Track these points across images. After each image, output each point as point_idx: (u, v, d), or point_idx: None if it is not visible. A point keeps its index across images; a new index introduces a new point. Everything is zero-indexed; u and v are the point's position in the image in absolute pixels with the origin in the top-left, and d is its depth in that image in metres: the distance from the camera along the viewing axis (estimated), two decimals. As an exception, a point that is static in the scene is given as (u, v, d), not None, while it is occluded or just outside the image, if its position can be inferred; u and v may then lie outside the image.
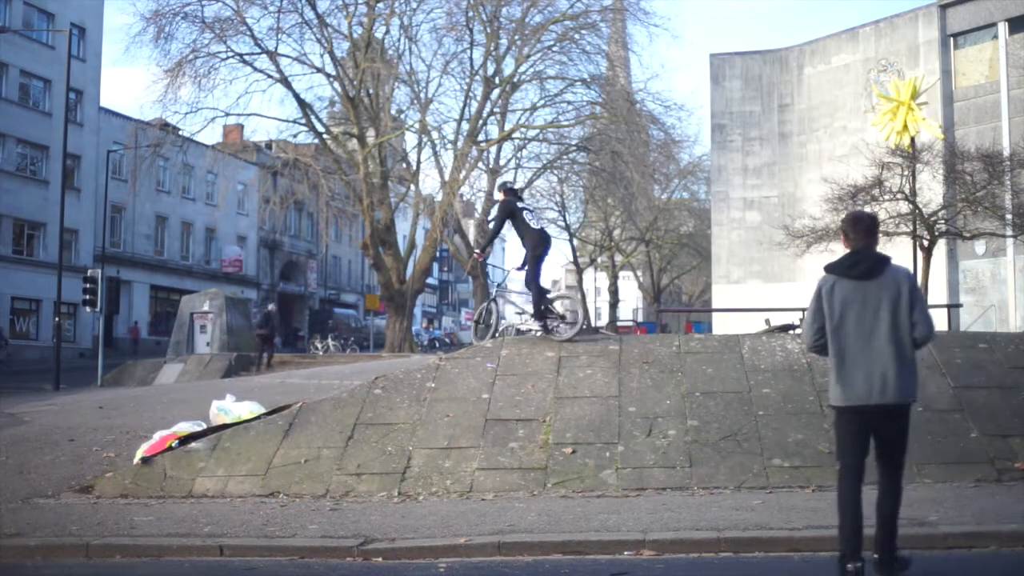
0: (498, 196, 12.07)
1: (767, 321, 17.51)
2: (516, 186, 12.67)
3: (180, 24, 29.51)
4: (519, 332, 11.24)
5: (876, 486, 5.47)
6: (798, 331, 15.28)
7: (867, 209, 19.99)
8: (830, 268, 5.51)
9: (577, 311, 11.60)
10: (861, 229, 5.47)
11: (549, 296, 11.44)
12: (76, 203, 39.99)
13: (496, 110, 33.01)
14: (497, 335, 11.74)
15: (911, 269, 14.93)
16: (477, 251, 13.78)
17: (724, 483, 8.47)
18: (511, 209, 11.31)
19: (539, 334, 11.24)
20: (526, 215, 11.35)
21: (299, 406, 10.39)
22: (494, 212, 12.33)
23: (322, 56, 32.02)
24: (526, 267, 11.35)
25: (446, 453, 9.19)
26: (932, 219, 19.75)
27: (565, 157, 36.04)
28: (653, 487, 8.48)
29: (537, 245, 11.24)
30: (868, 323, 5.29)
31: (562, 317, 11.43)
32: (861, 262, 5.39)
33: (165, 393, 17.64)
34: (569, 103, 34.00)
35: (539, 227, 11.51)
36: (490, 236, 12.78)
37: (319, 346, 35.54)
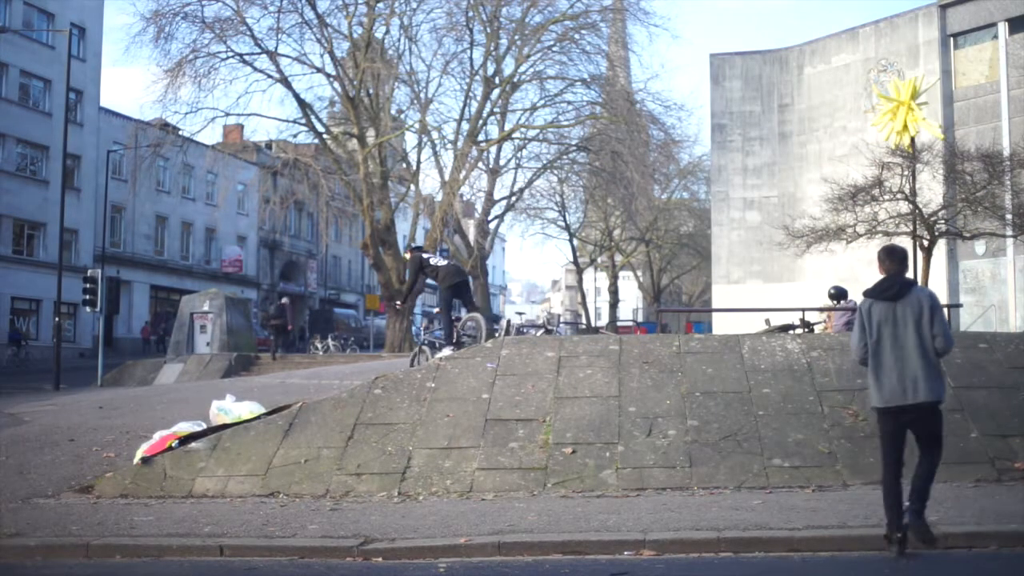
0: (407, 256, 14.18)
1: (767, 321, 17.49)
2: (417, 244, 14.38)
3: (180, 24, 29.49)
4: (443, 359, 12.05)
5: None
6: (798, 331, 15.29)
7: (867, 209, 20.03)
8: (867, 293, 6.51)
9: (480, 329, 12.99)
10: (896, 259, 6.51)
11: (458, 321, 13.04)
12: (76, 203, 39.99)
13: (496, 110, 33.00)
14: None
15: (911, 270, 14.95)
16: (399, 302, 16.00)
17: (724, 483, 8.48)
18: (418, 263, 13.09)
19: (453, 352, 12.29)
20: (432, 260, 13.16)
21: (299, 406, 10.39)
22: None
23: (322, 56, 32.03)
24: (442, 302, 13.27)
25: (446, 453, 9.19)
26: (932, 219, 19.72)
27: (565, 157, 36.02)
28: (653, 487, 8.49)
29: (446, 277, 12.84)
30: (899, 337, 6.29)
31: (473, 337, 12.81)
32: (892, 286, 6.39)
33: (165, 393, 17.64)
34: (569, 103, 34.01)
35: (446, 262, 13.17)
36: (406, 291, 14.38)
37: (319, 346, 35.52)
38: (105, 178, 40.96)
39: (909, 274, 6.87)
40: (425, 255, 13.58)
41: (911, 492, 6.25)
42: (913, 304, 6.28)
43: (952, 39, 29.52)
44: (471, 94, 32.38)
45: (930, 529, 6.19)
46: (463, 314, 13.72)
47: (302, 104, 31.23)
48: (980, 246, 26.69)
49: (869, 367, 6.39)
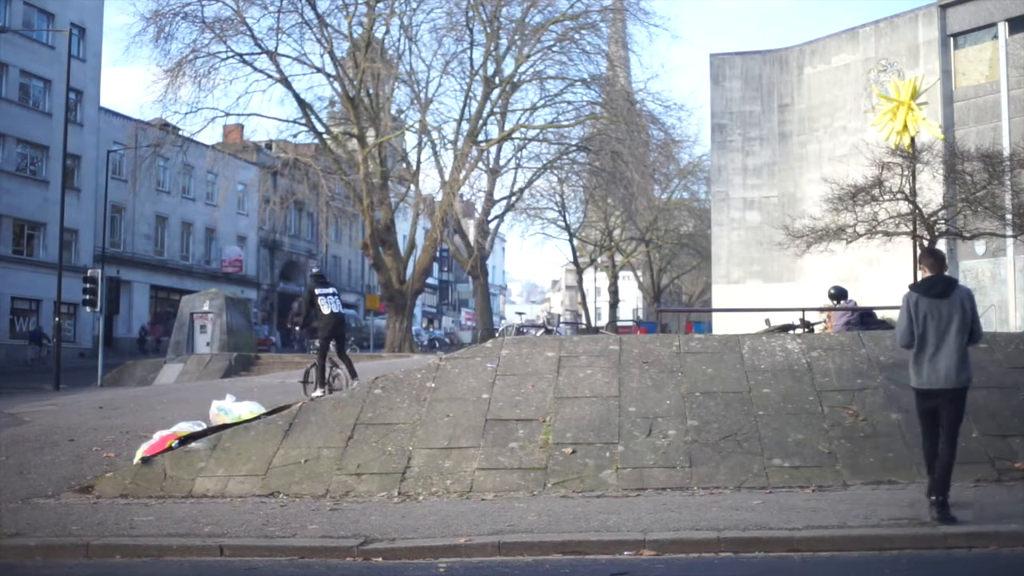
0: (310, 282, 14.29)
1: (767, 321, 17.48)
2: (317, 271, 14.60)
3: (180, 24, 29.50)
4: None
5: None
6: (798, 331, 15.28)
7: (867, 209, 20.01)
8: (914, 287, 7.44)
9: (342, 383, 13.23)
10: (938, 260, 7.52)
11: (330, 367, 13.39)
12: (76, 203, 39.96)
13: (496, 110, 33.00)
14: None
15: (911, 269, 14.94)
16: (296, 327, 16.00)
17: (724, 483, 8.48)
18: (310, 293, 13.39)
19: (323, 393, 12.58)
20: (321, 301, 13.25)
21: (299, 406, 10.39)
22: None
23: (322, 56, 32.06)
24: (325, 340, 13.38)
25: (446, 453, 9.19)
26: (932, 219, 19.70)
27: (565, 157, 36.02)
28: (653, 487, 8.49)
29: (325, 327, 13.18)
30: (941, 330, 7.18)
31: (338, 390, 12.89)
32: (937, 284, 7.32)
33: (165, 393, 17.64)
34: (569, 103, 34.01)
35: (328, 311, 13.22)
36: (302, 320, 14.60)
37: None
38: (105, 178, 40.93)
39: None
40: (318, 291, 13.43)
41: (935, 482, 7.01)
42: (955, 303, 7.21)
43: (952, 39, 29.49)
44: (471, 94, 32.41)
45: (956, 519, 6.85)
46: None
47: (302, 104, 31.25)
48: (980, 246, 26.67)
49: (912, 352, 7.31)
